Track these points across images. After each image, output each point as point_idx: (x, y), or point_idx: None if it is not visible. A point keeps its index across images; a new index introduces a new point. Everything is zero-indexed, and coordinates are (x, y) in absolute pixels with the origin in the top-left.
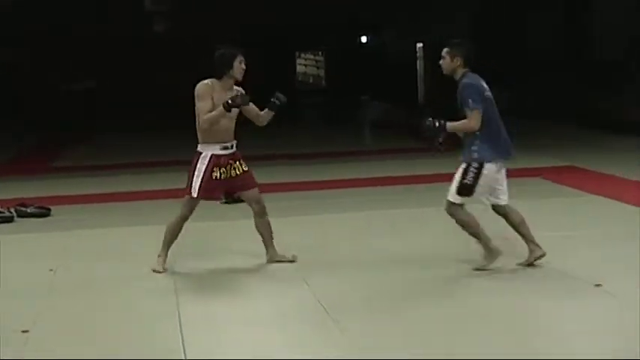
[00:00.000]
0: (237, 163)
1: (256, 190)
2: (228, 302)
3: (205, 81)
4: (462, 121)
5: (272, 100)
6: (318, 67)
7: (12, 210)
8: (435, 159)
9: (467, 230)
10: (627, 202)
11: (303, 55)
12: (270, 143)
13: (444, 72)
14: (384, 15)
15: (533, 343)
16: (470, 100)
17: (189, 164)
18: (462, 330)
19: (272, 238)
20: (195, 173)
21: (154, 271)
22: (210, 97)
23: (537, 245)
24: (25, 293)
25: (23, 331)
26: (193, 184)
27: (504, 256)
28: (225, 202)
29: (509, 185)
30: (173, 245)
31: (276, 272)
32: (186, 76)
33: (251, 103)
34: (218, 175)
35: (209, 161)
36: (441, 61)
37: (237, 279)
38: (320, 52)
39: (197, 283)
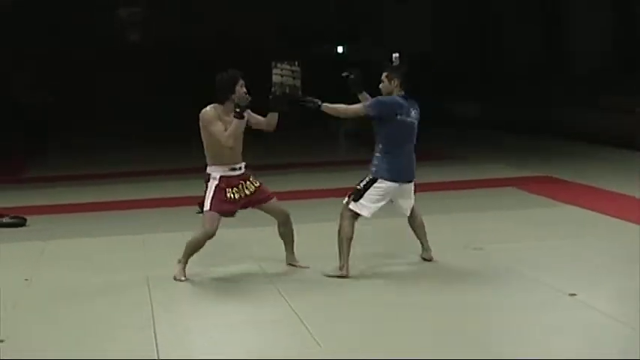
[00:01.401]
0: (248, 182)
1: (274, 199)
2: (202, 310)
3: (208, 108)
4: (340, 105)
5: (272, 95)
6: (294, 78)
7: None
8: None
9: (338, 237)
10: (603, 213)
11: (279, 64)
12: (246, 154)
13: (383, 93)
14: (361, 25)
15: (504, 349)
16: (369, 102)
17: (164, 174)
18: (432, 334)
19: (293, 245)
20: (207, 193)
21: (175, 279)
22: (218, 120)
23: (429, 249)
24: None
25: None
26: (206, 202)
27: (478, 267)
28: (200, 212)
29: (482, 195)
30: (148, 254)
31: (248, 279)
32: (156, 84)
33: (250, 112)
34: (232, 195)
35: (219, 182)
36: (380, 85)
37: (211, 287)
38: (296, 62)
39: (171, 291)
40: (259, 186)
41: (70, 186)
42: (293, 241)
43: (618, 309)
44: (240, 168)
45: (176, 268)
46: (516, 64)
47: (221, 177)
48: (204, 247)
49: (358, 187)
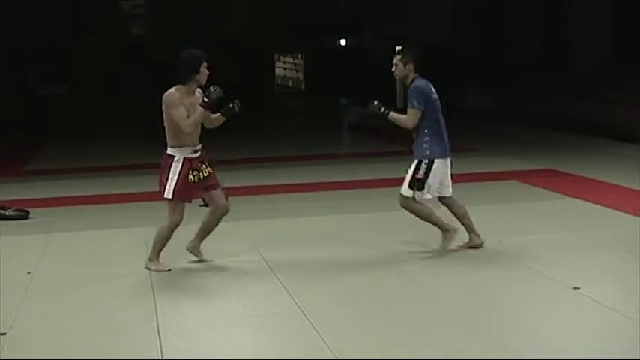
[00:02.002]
0: (204, 165)
1: (219, 190)
2: (205, 302)
3: (172, 89)
4: (403, 115)
5: (231, 105)
6: (297, 71)
7: None
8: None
9: (423, 219)
10: (607, 206)
11: (282, 58)
12: (249, 146)
13: (397, 78)
14: (364, 18)
15: (509, 343)
16: (414, 101)
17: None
18: (437, 329)
19: (207, 235)
20: (170, 176)
21: (156, 270)
22: (182, 104)
23: (477, 235)
24: (2, 296)
25: (0, 334)
26: (167, 187)
27: (482, 259)
28: (205, 205)
29: (485, 188)
30: (151, 247)
31: (251, 273)
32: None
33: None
34: (192, 178)
35: (182, 165)
36: (393, 68)
37: (214, 279)
38: (299, 55)
39: (174, 283)
40: (212, 171)
41: (73, 179)
42: (210, 232)
43: (621, 302)
44: (200, 150)
45: (152, 266)
46: (518, 57)
47: (184, 159)
48: (209, 238)
49: (418, 176)
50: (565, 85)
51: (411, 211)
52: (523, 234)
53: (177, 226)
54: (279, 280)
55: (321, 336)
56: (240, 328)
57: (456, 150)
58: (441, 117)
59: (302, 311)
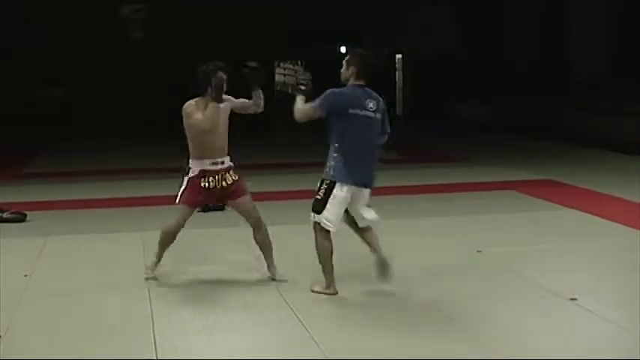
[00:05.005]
0: (227, 174)
1: (245, 198)
2: (202, 311)
3: (192, 101)
4: (302, 105)
5: (244, 68)
6: (297, 77)
7: None
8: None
9: (317, 253)
10: (604, 217)
11: (282, 64)
12: (247, 153)
13: (342, 80)
14: (364, 25)
15: (504, 353)
16: (316, 102)
17: (162, 172)
18: (434, 339)
19: (271, 253)
20: (183, 183)
21: (146, 278)
22: (198, 111)
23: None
24: None
25: None
26: (179, 192)
27: (478, 269)
28: (202, 211)
29: (483, 198)
30: (147, 252)
31: (248, 280)
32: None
33: (232, 98)
34: (206, 184)
35: (197, 175)
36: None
37: (211, 286)
38: (299, 62)
39: (171, 291)
40: (237, 180)
41: (71, 182)
42: (270, 248)
43: (618, 314)
44: (222, 162)
45: (149, 268)
46: (517, 64)
47: (200, 170)
48: (208, 243)
49: (317, 196)
50: (563, 95)
51: (314, 237)
52: (521, 244)
53: (179, 226)
54: (276, 287)
55: (317, 343)
56: (236, 335)
57: (454, 159)
58: (357, 135)
59: (299, 319)
